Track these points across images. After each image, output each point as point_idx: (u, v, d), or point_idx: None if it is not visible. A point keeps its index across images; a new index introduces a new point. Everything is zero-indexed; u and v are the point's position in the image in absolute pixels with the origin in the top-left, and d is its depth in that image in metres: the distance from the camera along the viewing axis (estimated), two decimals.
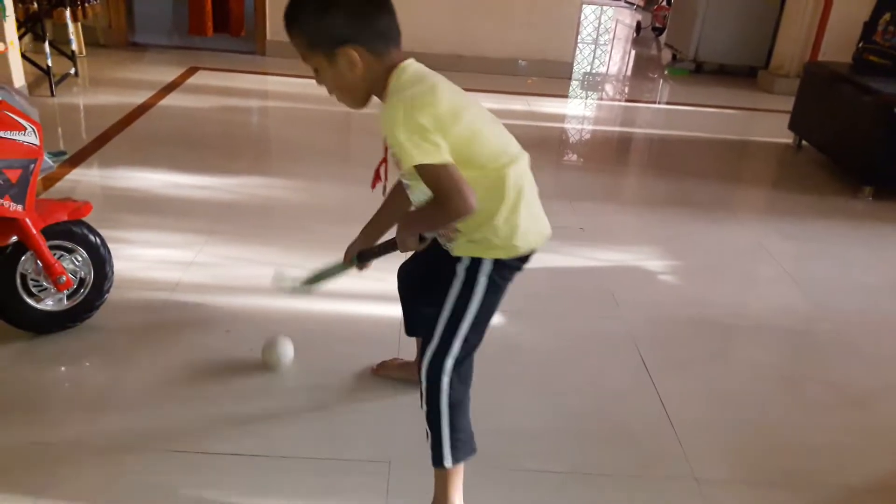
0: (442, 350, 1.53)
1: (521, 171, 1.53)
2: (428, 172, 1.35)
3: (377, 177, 1.63)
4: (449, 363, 1.53)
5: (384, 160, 1.57)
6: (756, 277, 3.05)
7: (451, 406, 1.55)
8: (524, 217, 1.51)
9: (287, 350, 2.11)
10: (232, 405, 1.97)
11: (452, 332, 1.53)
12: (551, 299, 2.67)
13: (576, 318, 2.55)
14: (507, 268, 1.54)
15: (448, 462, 1.57)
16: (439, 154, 1.33)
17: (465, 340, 1.54)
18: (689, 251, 3.15)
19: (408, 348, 2.20)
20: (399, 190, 1.70)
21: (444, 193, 1.35)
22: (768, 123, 5.20)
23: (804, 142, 4.61)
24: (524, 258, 1.56)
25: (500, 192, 1.47)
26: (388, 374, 2.13)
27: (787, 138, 4.73)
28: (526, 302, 2.62)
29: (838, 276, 3.05)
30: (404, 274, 1.91)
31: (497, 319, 2.47)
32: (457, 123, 1.39)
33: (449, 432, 1.55)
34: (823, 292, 2.87)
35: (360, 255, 1.78)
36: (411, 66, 1.48)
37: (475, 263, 1.51)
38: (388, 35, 1.45)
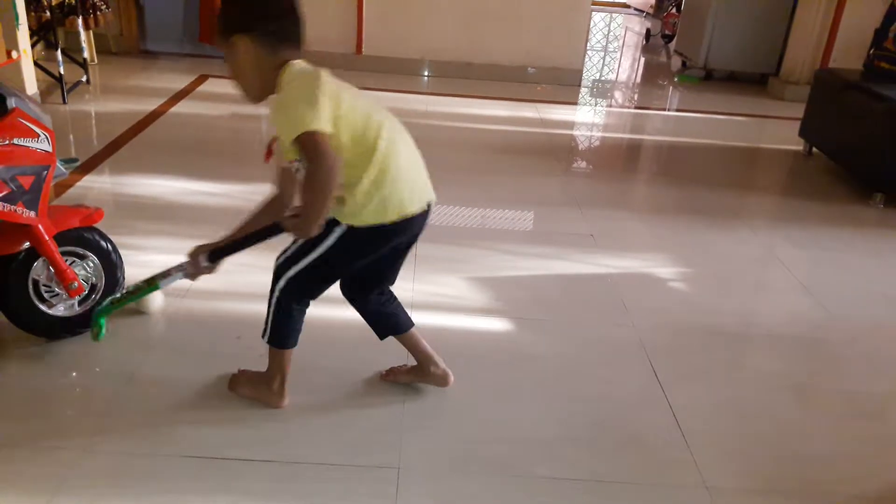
0: (284, 267, 1.82)
1: (388, 151, 1.68)
2: (305, 141, 1.51)
3: (269, 152, 1.81)
4: (282, 283, 1.83)
5: (276, 138, 1.71)
6: (767, 285, 3.03)
7: (278, 309, 1.87)
8: (377, 197, 1.68)
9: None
10: (242, 411, 1.97)
11: (295, 261, 1.80)
12: (562, 307, 2.66)
13: (587, 326, 2.55)
14: (364, 234, 1.73)
15: (266, 338, 1.92)
16: (317, 123, 1.51)
17: (299, 275, 1.81)
18: (699, 259, 3.13)
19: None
20: (272, 201, 1.85)
21: (319, 155, 1.51)
22: (779, 130, 5.19)
23: (815, 149, 4.59)
24: (384, 230, 1.73)
25: (363, 168, 1.65)
26: (397, 379, 2.14)
27: (798, 145, 4.71)
28: (537, 309, 2.62)
29: (850, 284, 3.02)
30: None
31: (508, 326, 2.49)
32: (338, 106, 1.59)
33: (272, 321, 1.90)
34: (835, 300, 2.85)
35: (213, 253, 1.83)
36: (300, 63, 1.66)
37: (334, 222, 1.73)
38: (282, 34, 1.64)
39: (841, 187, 4.12)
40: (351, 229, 1.74)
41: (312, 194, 1.56)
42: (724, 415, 2.14)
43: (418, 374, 2.10)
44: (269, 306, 1.89)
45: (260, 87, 1.67)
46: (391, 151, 1.69)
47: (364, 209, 1.69)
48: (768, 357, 2.49)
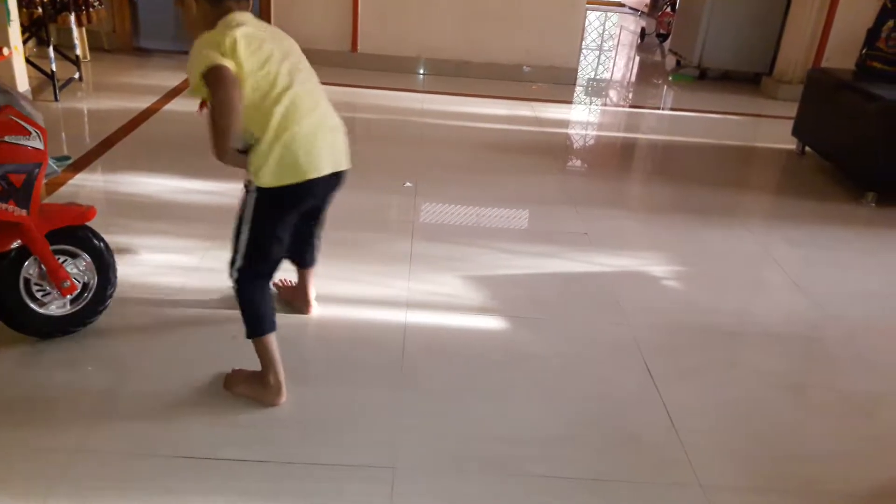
0: (231, 260, 1.97)
1: (284, 118, 1.83)
2: (208, 74, 1.73)
3: (203, 104, 1.93)
4: (234, 273, 1.96)
5: None
6: (762, 284, 3.04)
7: (242, 299, 1.97)
8: (280, 159, 1.84)
9: None
10: (237, 411, 1.96)
11: (235, 249, 1.95)
12: (558, 305, 2.66)
13: (583, 325, 2.54)
14: (271, 196, 1.88)
15: (246, 335, 1.98)
16: (221, 59, 1.72)
17: (244, 258, 1.94)
18: (694, 257, 3.14)
19: (411, 372, 2.20)
20: None
21: (219, 81, 1.72)
22: (772, 129, 5.20)
23: (808, 148, 4.60)
24: (292, 191, 1.89)
25: (262, 129, 1.82)
26: (280, 293, 2.46)
27: (791, 144, 4.72)
28: (533, 308, 2.61)
29: (844, 282, 3.03)
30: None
31: (504, 325, 2.48)
32: (250, 56, 1.78)
33: (243, 314, 1.97)
34: (829, 299, 2.86)
35: None
36: (239, 16, 1.84)
37: (251, 191, 1.90)
38: None
39: (834, 186, 4.13)
40: (260, 192, 1.89)
41: (215, 119, 1.76)
42: (720, 414, 2.14)
43: (293, 294, 2.43)
44: (240, 307, 1.99)
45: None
46: (289, 119, 1.83)
47: (263, 168, 1.84)
48: (764, 356, 2.49)
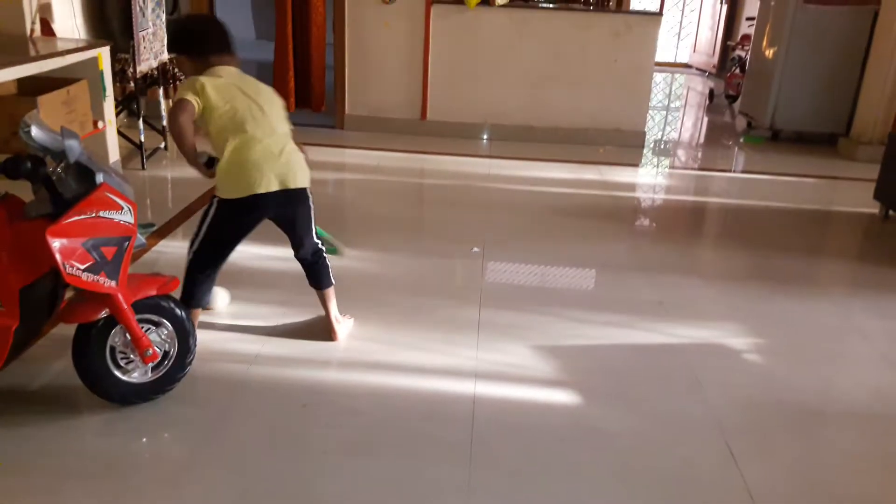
0: (191, 244, 2.53)
1: (237, 150, 2.38)
2: (175, 104, 2.33)
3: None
4: (189, 255, 2.53)
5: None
6: (847, 358, 2.89)
7: (187, 276, 2.52)
8: (232, 177, 2.39)
9: (222, 298, 2.91)
10: (309, 482, 1.96)
11: (195, 237, 2.52)
12: (631, 379, 2.59)
13: (657, 400, 2.47)
14: (228, 206, 2.43)
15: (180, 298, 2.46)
16: (187, 94, 2.32)
17: (199, 247, 2.51)
18: (773, 328, 3.02)
19: (481, 448, 2.17)
20: None
21: (172, 111, 2.34)
22: (852, 192, 5.03)
23: (892, 211, 4.43)
24: (242, 203, 2.41)
25: (220, 153, 2.39)
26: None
27: (874, 208, 4.56)
28: (605, 381, 2.56)
29: None
30: None
31: (575, 398, 2.43)
32: (216, 96, 2.35)
33: (182, 289, 2.51)
34: None
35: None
36: (219, 69, 2.44)
37: (214, 198, 2.48)
38: (203, 52, 2.46)
39: None
40: (220, 202, 2.45)
41: (173, 135, 2.38)
42: (805, 499, 2.02)
43: (320, 324, 2.77)
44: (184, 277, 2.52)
45: None
46: (242, 150, 2.37)
47: (222, 183, 2.42)
48: (851, 436, 2.36)
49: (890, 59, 5.67)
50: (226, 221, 2.46)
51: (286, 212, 2.53)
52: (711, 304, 3.26)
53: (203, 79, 2.35)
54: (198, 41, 2.49)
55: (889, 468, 2.20)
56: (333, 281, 2.69)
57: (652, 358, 2.74)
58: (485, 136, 6.00)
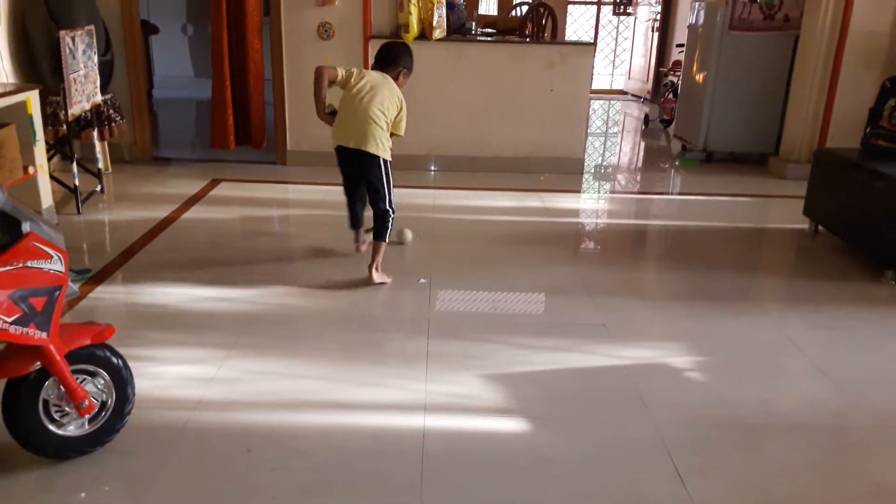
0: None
1: (346, 108, 3.48)
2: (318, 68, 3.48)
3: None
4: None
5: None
6: (785, 371, 2.98)
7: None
8: (334, 129, 3.55)
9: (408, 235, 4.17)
10: None
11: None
12: (578, 403, 2.62)
13: (603, 422, 2.50)
14: (336, 151, 3.59)
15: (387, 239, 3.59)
16: (340, 66, 3.47)
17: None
18: (714, 346, 3.10)
19: (432, 484, 2.16)
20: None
21: (318, 74, 3.45)
22: (783, 210, 5.22)
23: (820, 227, 4.61)
24: (336, 150, 3.58)
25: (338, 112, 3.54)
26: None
27: (803, 224, 4.73)
28: (552, 407, 2.58)
29: (869, 365, 2.97)
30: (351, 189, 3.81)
31: (524, 426, 2.44)
32: (354, 78, 3.48)
33: (388, 233, 3.58)
34: (855, 384, 2.80)
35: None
36: (375, 72, 3.60)
37: None
38: (377, 61, 3.68)
39: (851, 266, 4.11)
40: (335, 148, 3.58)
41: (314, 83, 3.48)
42: None
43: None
44: (388, 227, 3.59)
45: None
46: (343, 113, 3.49)
47: (333, 132, 3.55)
48: (792, 448, 2.42)
49: (812, 81, 5.93)
50: (338, 163, 3.63)
51: (360, 169, 3.52)
52: (653, 324, 3.33)
53: (357, 68, 3.51)
54: (376, 58, 3.68)
55: (827, 475, 2.27)
56: (387, 239, 3.57)
57: (597, 380, 2.77)
58: (431, 168, 6.04)
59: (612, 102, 10.42)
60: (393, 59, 3.60)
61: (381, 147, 3.47)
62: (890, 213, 3.80)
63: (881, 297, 3.69)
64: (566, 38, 9.31)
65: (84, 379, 2.13)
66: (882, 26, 5.75)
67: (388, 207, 3.54)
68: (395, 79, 3.57)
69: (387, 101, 3.45)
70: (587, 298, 3.52)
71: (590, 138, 7.51)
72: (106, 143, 5.42)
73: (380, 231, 3.54)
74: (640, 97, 10.49)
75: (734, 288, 3.75)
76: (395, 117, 3.52)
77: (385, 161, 3.51)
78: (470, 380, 2.73)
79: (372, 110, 3.40)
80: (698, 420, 2.52)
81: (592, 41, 5.98)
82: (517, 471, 2.22)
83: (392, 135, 3.55)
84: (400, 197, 5.31)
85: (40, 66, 4.81)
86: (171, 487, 2.08)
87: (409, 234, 4.16)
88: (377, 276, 3.55)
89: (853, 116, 5.53)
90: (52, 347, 1.99)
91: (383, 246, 3.57)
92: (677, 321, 3.36)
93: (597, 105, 9.99)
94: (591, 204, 5.62)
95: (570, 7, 10.63)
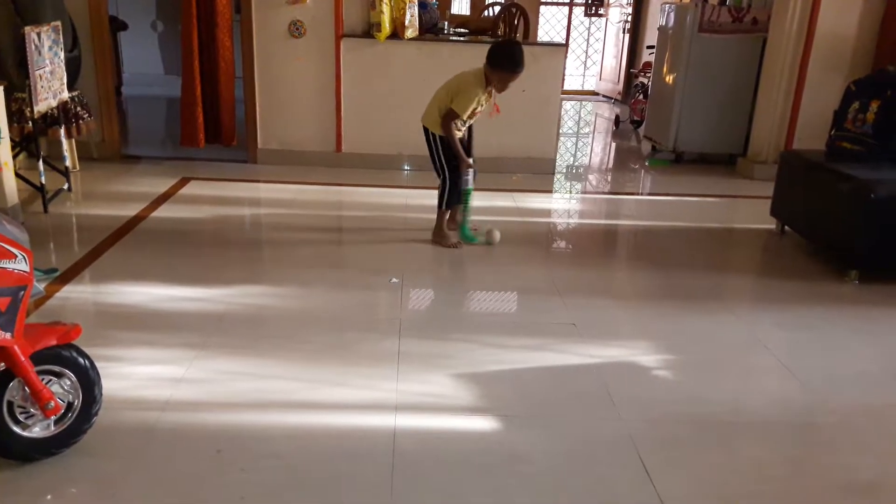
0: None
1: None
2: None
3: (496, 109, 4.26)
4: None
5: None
6: (752, 369, 3.03)
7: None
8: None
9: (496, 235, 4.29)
10: None
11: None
12: (548, 401, 2.64)
13: (573, 421, 2.52)
14: None
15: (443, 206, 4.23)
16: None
17: None
18: (682, 345, 3.14)
19: (403, 484, 2.16)
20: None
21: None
22: (751, 210, 5.30)
23: (787, 227, 4.69)
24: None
25: None
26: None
27: (771, 224, 4.81)
28: (523, 405, 2.59)
29: (834, 363, 3.04)
30: None
31: (495, 425, 2.46)
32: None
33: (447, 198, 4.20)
34: (821, 381, 2.86)
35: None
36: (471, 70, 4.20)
37: None
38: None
39: (816, 265, 4.19)
40: None
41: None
42: None
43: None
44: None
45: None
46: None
47: None
48: (759, 445, 2.47)
49: (779, 83, 6.04)
50: None
51: (424, 138, 4.15)
52: (622, 323, 3.36)
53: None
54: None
55: (794, 471, 2.31)
56: (454, 202, 4.21)
57: (567, 379, 2.80)
58: (405, 167, 6.03)
59: (584, 103, 10.49)
60: (487, 56, 4.06)
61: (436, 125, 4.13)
62: (853, 214, 3.88)
63: (845, 297, 3.77)
64: (538, 39, 9.35)
65: (50, 380, 2.10)
66: (847, 30, 5.87)
67: (443, 173, 4.21)
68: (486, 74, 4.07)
69: (441, 91, 4.11)
70: (558, 298, 3.55)
71: (561, 139, 7.56)
72: (73, 140, 5.33)
73: (442, 196, 4.23)
74: (611, 98, 10.58)
75: (703, 287, 3.81)
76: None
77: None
78: (441, 379, 2.74)
79: (441, 93, 4.15)
80: (667, 418, 2.56)
81: (564, 42, 6.00)
82: (487, 469, 2.23)
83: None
84: (371, 196, 5.34)
85: (5, 62, 4.71)
86: (139, 489, 2.06)
87: (497, 235, 4.31)
88: (454, 235, 4.27)
89: (819, 118, 5.63)
90: (16, 348, 1.95)
91: (458, 207, 4.28)
92: (646, 320, 3.40)
93: (568, 106, 10.05)
94: (562, 204, 5.66)
95: (542, 8, 10.68)
